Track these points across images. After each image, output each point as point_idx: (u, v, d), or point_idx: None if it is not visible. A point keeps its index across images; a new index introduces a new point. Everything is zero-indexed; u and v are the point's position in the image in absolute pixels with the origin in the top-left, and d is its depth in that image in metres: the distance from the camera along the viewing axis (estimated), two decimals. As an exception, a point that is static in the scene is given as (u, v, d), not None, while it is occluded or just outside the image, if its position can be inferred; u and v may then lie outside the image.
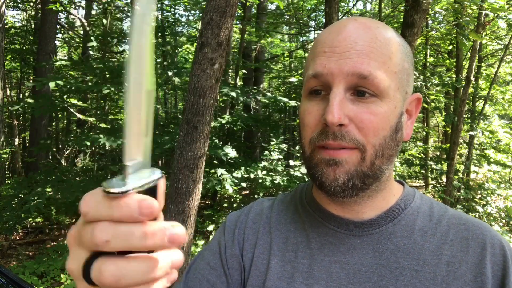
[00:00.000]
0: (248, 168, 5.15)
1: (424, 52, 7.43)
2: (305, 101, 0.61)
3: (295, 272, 0.62)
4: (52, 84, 4.14)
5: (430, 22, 6.87)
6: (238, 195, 7.54)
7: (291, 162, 5.57)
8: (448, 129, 7.43)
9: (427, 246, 0.60)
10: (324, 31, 0.61)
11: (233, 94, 5.12)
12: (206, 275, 0.67)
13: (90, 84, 5.01)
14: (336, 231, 0.63)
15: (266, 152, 5.72)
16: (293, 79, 7.18)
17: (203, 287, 0.66)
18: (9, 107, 6.41)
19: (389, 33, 0.59)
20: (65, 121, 11.31)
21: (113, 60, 6.66)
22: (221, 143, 5.89)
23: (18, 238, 5.58)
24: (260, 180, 5.10)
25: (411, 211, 0.64)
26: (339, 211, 0.64)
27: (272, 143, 5.72)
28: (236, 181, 4.88)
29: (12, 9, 9.79)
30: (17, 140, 8.62)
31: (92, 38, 4.97)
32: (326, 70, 0.56)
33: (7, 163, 9.30)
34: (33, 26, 9.57)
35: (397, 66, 0.57)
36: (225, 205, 7.05)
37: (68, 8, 8.20)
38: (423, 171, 7.13)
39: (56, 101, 5.08)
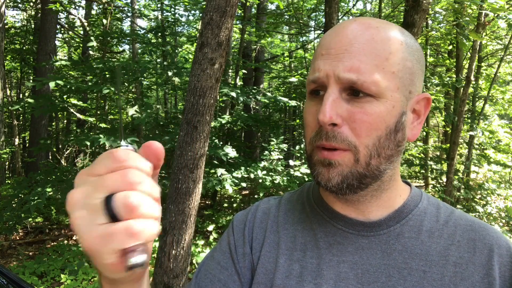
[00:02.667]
0: (248, 168, 5.15)
1: (424, 52, 7.40)
2: (307, 102, 0.62)
3: (304, 271, 0.63)
4: (52, 84, 4.14)
5: (430, 22, 6.87)
6: (238, 195, 7.54)
7: (291, 162, 5.57)
8: (448, 129, 7.43)
9: (434, 247, 0.60)
10: (327, 33, 0.62)
11: (233, 94, 5.12)
12: (217, 275, 0.67)
13: (90, 84, 5.00)
14: (344, 231, 0.64)
15: (266, 152, 5.72)
16: (293, 79, 7.18)
17: (215, 286, 0.66)
18: (9, 107, 6.41)
19: (390, 32, 0.58)
20: (65, 121, 11.32)
21: (113, 60, 6.66)
22: (221, 143, 5.89)
23: (18, 238, 5.58)
24: (260, 180, 5.10)
25: (418, 212, 0.64)
26: (346, 210, 0.64)
27: (272, 143, 5.72)
28: (236, 181, 4.87)
29: (12, 9, 9.80)
30: (17, 140, 8.62)
31: (92, 38, 4.97)
32: (322, 73, 0.57)
33: (7, 163, 9.30)
34: (33, 26, 9.57)
35: (395, 65, 0.56)
36: (225, 205, 7.05)
37: (68, 8, 8.20)
38: (423, 171, 7.12)
39: (56, 101, 5.08)
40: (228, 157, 4.84)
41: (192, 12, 9.06)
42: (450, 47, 7.48)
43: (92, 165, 0.38)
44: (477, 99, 7.25)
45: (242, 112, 6.77)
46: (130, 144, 0.40)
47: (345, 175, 0.57)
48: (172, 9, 8.88)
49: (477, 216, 5.43)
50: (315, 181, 0.61)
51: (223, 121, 5.63)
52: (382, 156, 0.58)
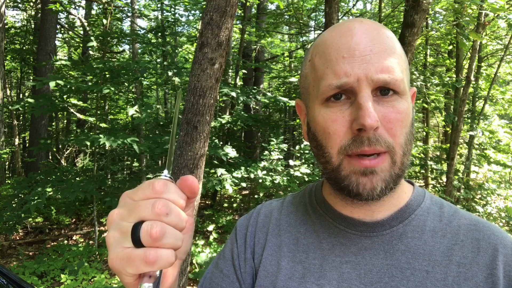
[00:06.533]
0: (248, 168, 5.15)
1: (424, 52, 7.42)
2: (323, 109, 0.58)
3: (307, 273, 0.63)
4: (52, 84, 4.14)
5: (430, 22, 6.87)
6: (238, 195, 7.54)
7: (291, 162, 5.57)
8: (448, 129, 7.43)
9: (438, 247, 0.60)
10: (331, 35, 0.59)
11: (233, 94, 5.12)
12: (220, 283, 0.69)
13: (90, 84, 5.00)
14: (347, 232, 0.63)
15: (266, 152, 5.72)
16: (293, 79, 7.18)
17: None
18: (9, 107, 6.41)
19: (390, 32, 0.60)
20: (65, 121, 11.33)
21: (113, 60, 6.66)
22: (221, 143, 5.89)
23: (18, 238, 5.58)
24: (260, 180, 5.10)
25: (421, 212, 0.63)
26: (353, 212, 0.63)
27: (272, 143, 5.72)
28: (236, 181, 4.88)
29: (12, 9, 9.80)
30: (17, 140, 8.62)
31: (92, 38, 4.97)
32: (352, 77, 0.54)
33: (7, 163, 9.31)
34: (33, 26, 9.58)
35: (405, 62, 0.59)
36: (225, 205, 7.05)
37: (68, 8, 8.20)
38: (423, 171, 7.13)
39: (56, 101, 5.08)
40: (228, 157, 4.84)
41: (192, 12, 9.06)
42: (450, 47, 7.47)
43: (136, 189, 0.43)
44: (477, 99, 7.25)
45: (242, 112, 6.77)
46: (169, 176, 0.45)
47: (387, 180, 0.56)
48: (172, 9, 8.88)
49: (477, 216, 5.42)
50: (350, 193, 0.57)
51: (223, 121, 5.63)
52: (409, 152, 0.58)
